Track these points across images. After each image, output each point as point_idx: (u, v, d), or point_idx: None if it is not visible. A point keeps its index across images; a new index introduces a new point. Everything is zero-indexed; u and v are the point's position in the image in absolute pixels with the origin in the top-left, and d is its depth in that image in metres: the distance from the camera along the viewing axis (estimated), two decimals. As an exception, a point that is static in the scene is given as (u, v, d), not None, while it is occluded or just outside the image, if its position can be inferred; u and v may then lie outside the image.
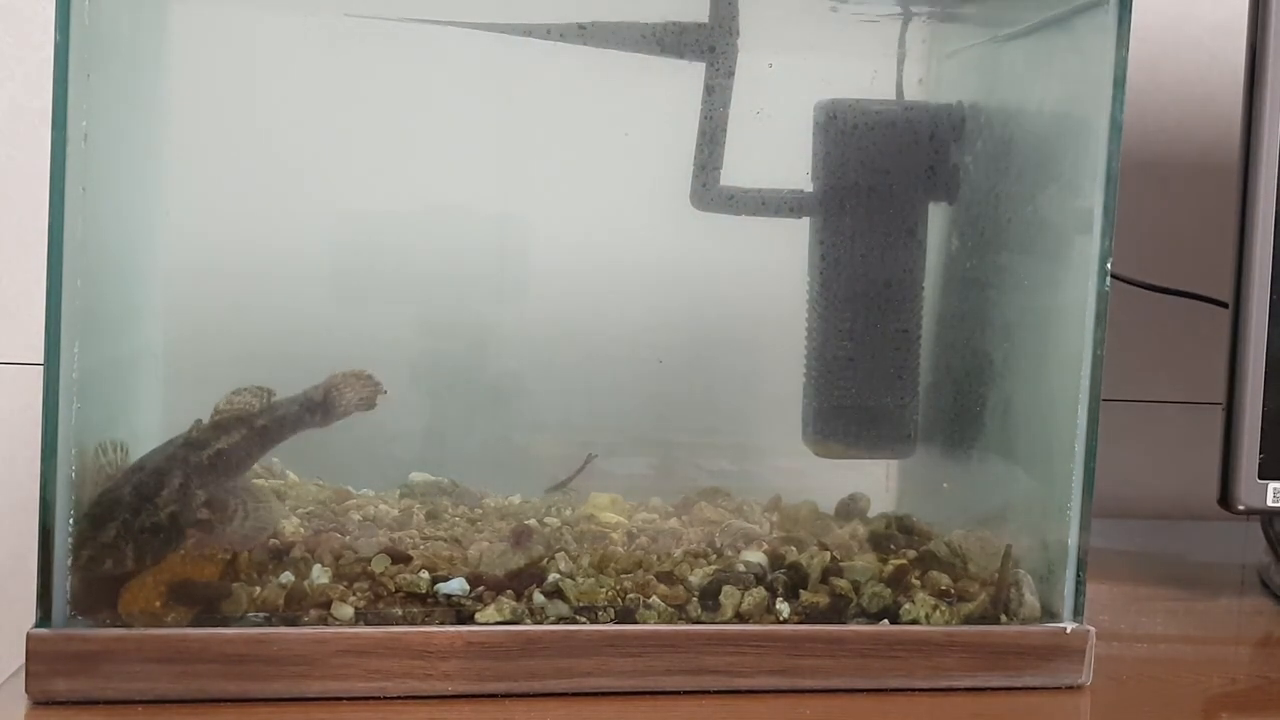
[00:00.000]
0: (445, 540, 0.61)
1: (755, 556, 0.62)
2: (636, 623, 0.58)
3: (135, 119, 0.62)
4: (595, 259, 0.70)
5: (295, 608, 0.56)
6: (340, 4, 0.64)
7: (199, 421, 0.59)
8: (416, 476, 0.68)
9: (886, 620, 0.60)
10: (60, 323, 0.53)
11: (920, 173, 0.68)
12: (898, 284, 0.68)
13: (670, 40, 0.65)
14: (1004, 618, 0.61)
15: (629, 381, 0.71)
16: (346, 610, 0.56)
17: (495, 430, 0.70)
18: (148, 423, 0.65)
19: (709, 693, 0.57)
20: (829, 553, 0.63)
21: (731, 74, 0.65)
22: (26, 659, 0.53)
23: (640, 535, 0.64)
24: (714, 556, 0.62)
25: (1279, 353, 0.73)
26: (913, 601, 0.61)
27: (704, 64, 0.65)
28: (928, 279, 0.69)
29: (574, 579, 0.59)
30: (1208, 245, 1.00)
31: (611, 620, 0.58)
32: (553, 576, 0.59)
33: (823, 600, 0.60)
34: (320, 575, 0.57)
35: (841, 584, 0.61)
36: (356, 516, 0.63)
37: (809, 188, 0.68)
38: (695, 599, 0.59)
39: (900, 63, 0.70)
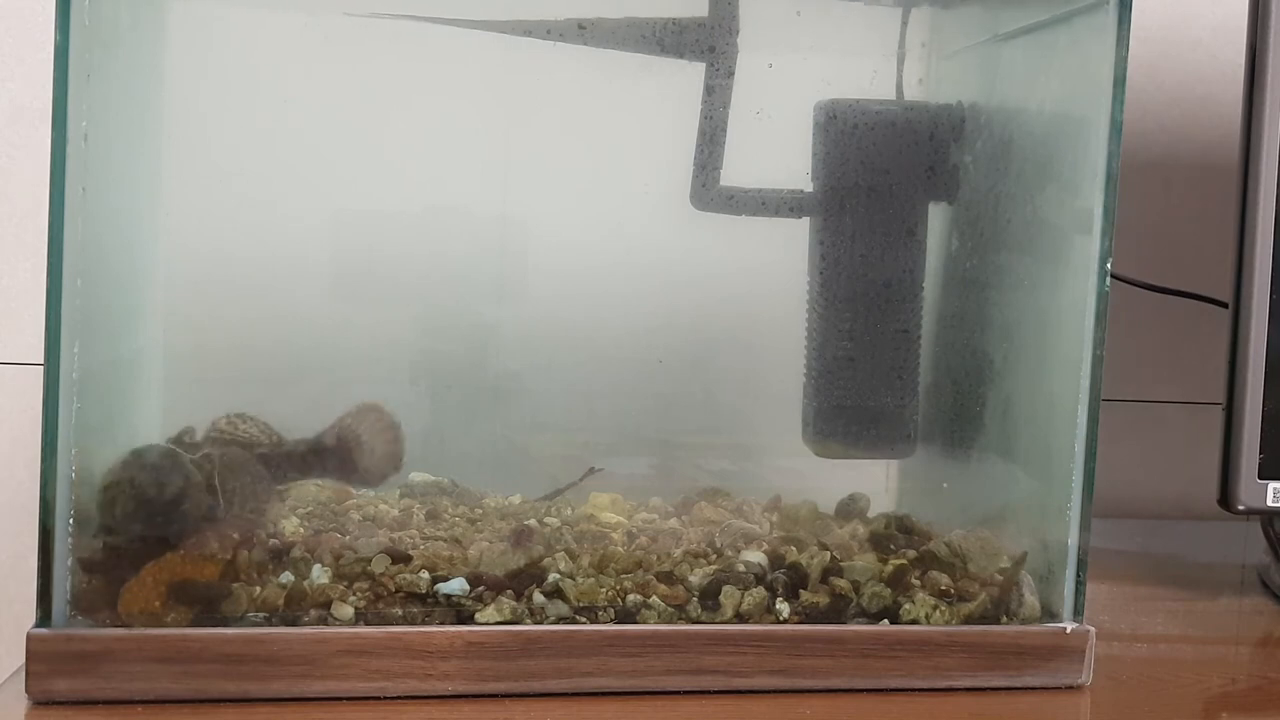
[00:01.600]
0: (445, 540, 0.61)
1: (755, 556, 0.62)
2: (636, 623, 0.58)
3: (135, 119, 0.62)
4: (595, 259, 0.70)
5: (295, 608, 0.56)
6: (340, 4, 0.64)
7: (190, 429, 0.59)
8: (416, 476, 0.68)
9: (886, 620, 0.60)
10: (60, 323, 0.53)
11: (920, 173, 0.68)
12: (898, 284, 0.68)
13: (670, 40, 0.65)
14: (1004, 618, 0.61)
15: (629, 381, 0.71)
16: (346, 610, 0.56)
17: (495, 430, 0.70)
18: (148, 423, 0.65)
19: (709, 693, 0.57)
20: (829, 553, 0.63)
21: (731, 74, 0.65)
22: (26, 659, 0.53)
23: (640, 535, 0.64)
24: (714, 556, 0.62)
25: (1279, 353, 0.73)
26: (913, 601, 0.61)
27: (704, 64, 0.65)
28: (928, 279, 0.69)
29: (574, 579, 0.59)
30: (1208, 245, 1.00)
31: (611, 620, 0.58)
32: (553, 576, 0.59)
33: (823, 600, 0.60)
34: (320, 575, 0.57)
35: (841, 584, 0.61)
36: (356, 516, 0.63)
37: (809, 188, 0.68)
38: (695, 599, 0.59)
39: (900, 63, 0.70)
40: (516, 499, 0.68)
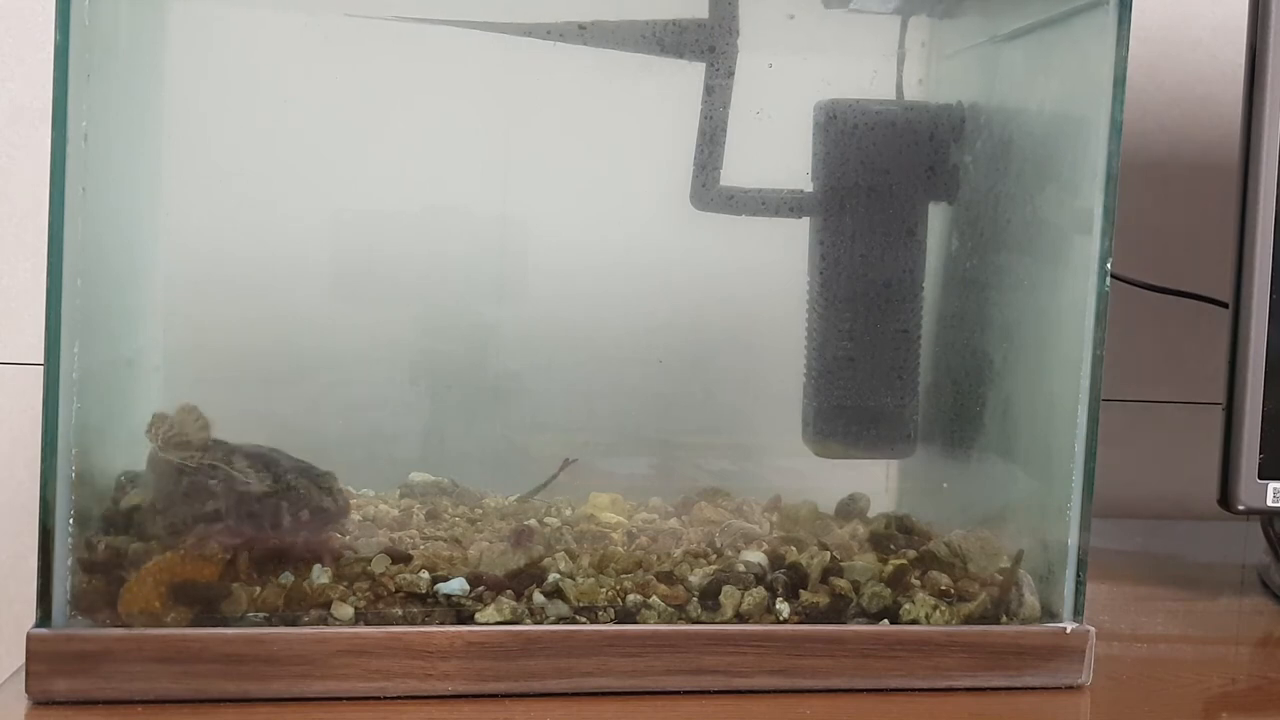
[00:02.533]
0: (445, 540, 0.61)
1: (755, 556, 0.62)
2: (636, 623, 0.58)
3: (135, 119, 0.62)
4: (595, 259, 0.70)
5: (295, 608, 0.56)
6: (340, 4, 0.64)
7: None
8: (416, 476, 0.68)
9: (886, 620, 0.60)
10: (60, 323, 0.53)
11: (920, 173, 0.68)
12: (898, 284, 0.68)
13: (670, 40, 0.65)
14: (1004, 618, 0.61)
15: (629, 381, 0.71)
16: (346, 610, 0.56)
17: (495, 430, 0.70)
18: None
19: (709, 693, 0.57)
20: (829, 553, 0.63)
21: (731, 74, 0.65)
22: (26, 659, 0.53)
23: (640, 535, 0.64)
24: (714, 556, 0.62)
25: (1279, 353, 0.73)
26: (913, 601, 0.61)
27: (704, 64, 0.65)
28: (928, 279, 0.69)
29: (574, 579, 0.59)
30: (1208, 245, 1.00)
31: (611, 620, 0.58)
32: (553, 576, 0.59)
33: (823, 600, 0.60)
34: (320, 575, 0.57)
35: (841, 584, 0.61)
36: (356, 516, 0.63)
37: (809, 188, 0.68)
38: (695, 599, 0.59)
39: (900, 63, 0.70)
40: (516, 499, 0.68)
